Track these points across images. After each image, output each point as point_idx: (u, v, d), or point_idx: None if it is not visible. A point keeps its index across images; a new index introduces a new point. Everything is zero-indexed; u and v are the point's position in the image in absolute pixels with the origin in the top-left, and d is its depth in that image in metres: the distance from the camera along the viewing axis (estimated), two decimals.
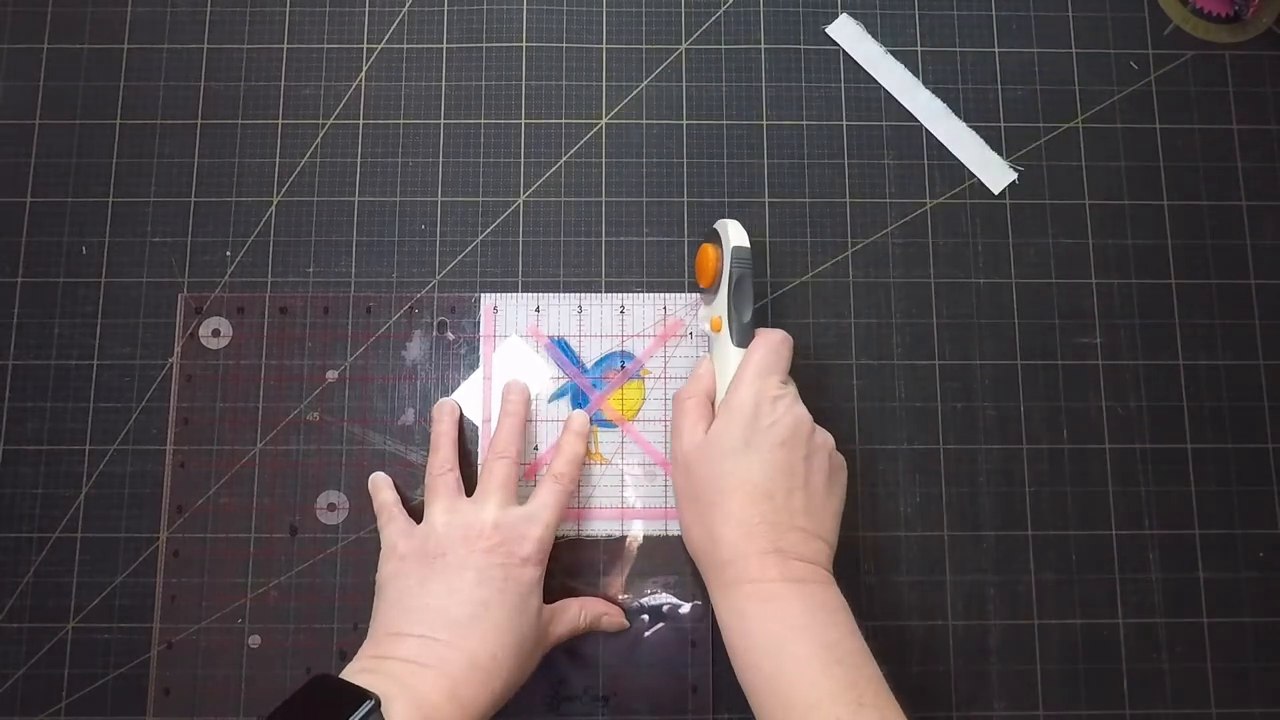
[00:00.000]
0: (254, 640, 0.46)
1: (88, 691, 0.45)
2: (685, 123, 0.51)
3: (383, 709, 0.34)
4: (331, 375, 0.48)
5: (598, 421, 0.48)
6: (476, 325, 0.49)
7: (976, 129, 0.51)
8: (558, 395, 0.48)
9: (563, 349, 0.49)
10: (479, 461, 0.47)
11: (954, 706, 0.46)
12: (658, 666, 0.46)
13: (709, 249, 0.46)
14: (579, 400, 0.48)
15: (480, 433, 0.48)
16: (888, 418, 0.48)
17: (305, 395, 0.48)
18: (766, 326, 0.49)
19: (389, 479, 0.46)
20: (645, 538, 0.47)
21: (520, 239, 0.50)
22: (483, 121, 0.51)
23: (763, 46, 0.52)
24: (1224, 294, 0.50)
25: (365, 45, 0.51)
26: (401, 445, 0.48)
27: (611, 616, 0.45)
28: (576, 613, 0.44)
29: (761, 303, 0.49)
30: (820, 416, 0.48)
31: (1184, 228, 0.50)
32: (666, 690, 0.46)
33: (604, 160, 0.51)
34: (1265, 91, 0.52)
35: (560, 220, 0.50)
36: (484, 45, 0.52)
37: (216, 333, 0.48)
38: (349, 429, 0.48)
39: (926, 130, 0.51)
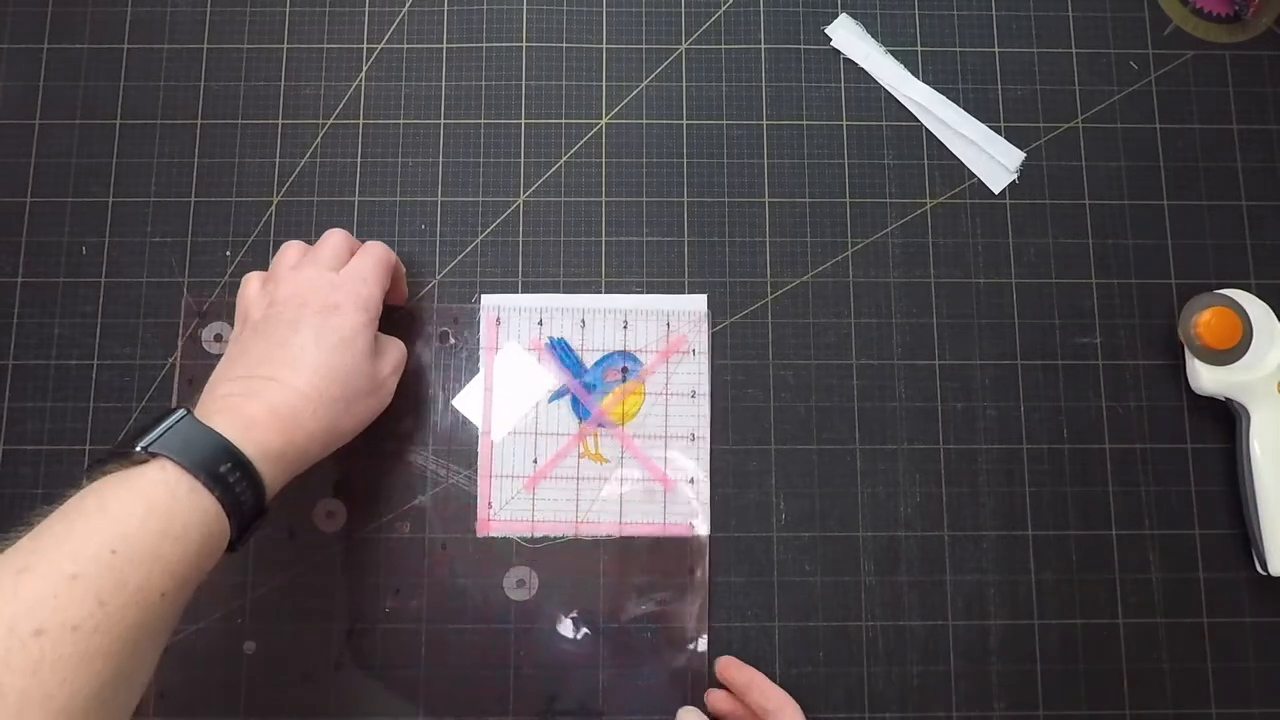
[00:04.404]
0: (249, 646, 0.46)
1: None
2: (685, 123, 0.51)
3: (194, 417, 0.36)
4: None
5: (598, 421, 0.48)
6: (478, 329, 0.49)
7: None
8: (556, 396, 0.48)
9: (562, 350, 0.48)
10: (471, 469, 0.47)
11: (954, 706, 0.46)
12: (654, 680, 0.46)
13: (1227, 313, 0.46)
14: (580, 401, 0.48)
15: (480, 445, 0.47)
16: (888, 418, 0.48)
17: None
18: (766, 324, 0.49)
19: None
20: (640, 542, 0.47)
21: (520, 239, 0.50)
22: (483, 121, 0.51)
23: (763, 46, 0.52)
24: None
25: (365, 45, 0.51)
26: (401, 446, 0.48)
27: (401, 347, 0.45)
28: (391, 355, 0.44)
29: (761, 303, 0.49)
30: (820, 416, 0.48)
31: (1184, 228, 0.50)
32: (662, 704, 0.45)
33: (604, 160, 0.51)
34: (1265, 91, 0.52)
35: (560, 220, 0.50)
36: (484, 45, 0.52)
37: (219, 337, 0.48)
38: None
39: (926, 130, 0.51)
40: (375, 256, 0.44)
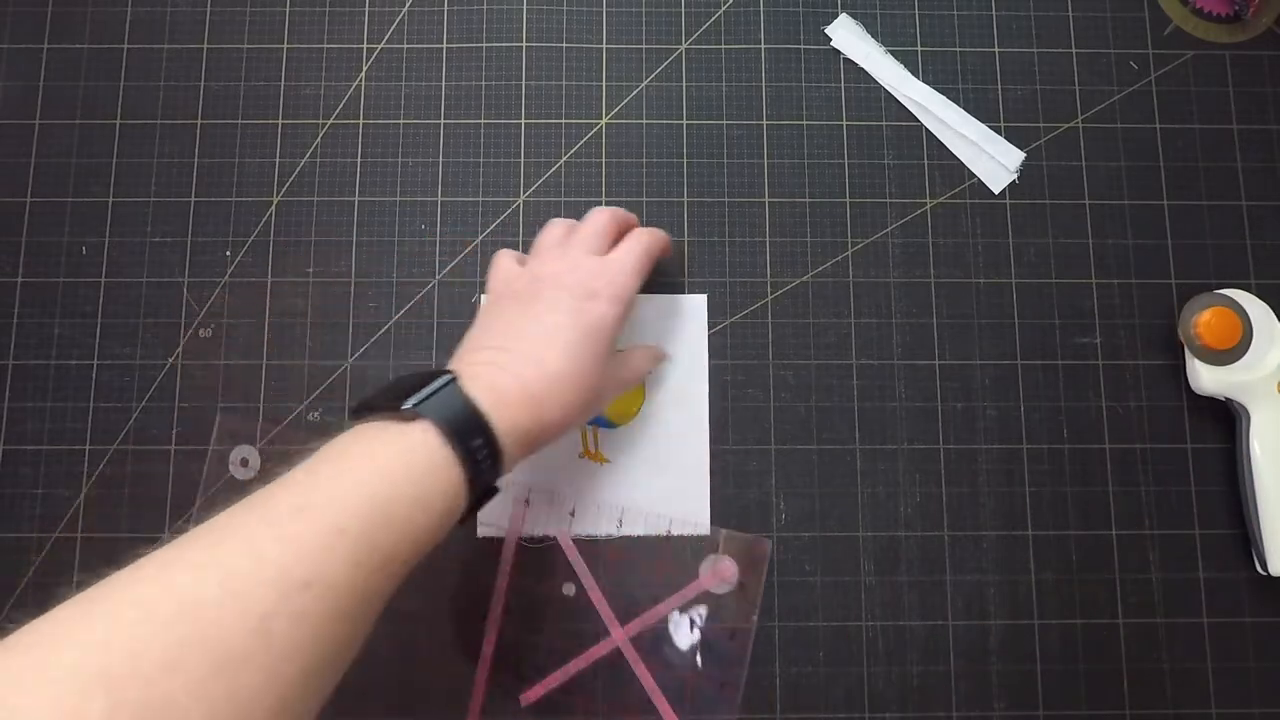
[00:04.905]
0: None
1: None
2: (685, 123, 0.51)
3: (460, 384, 0.35)
4: (332, 375, 0.48)
5: (598, 421, 0.48)
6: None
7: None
8: None
9: None
10: None
11: (954, 706, 0.46)
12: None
13: (1227, 313, 0.47)
14: None
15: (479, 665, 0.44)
16: (888, 418, 0.48)
17: (306, 395, 0.48)
18: (766, 324, 0.49)
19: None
20: (646, 539, 0.47)
21: (520, 239, 0.50)
22: (483, 121, 0.51)
23: (763, 46, 0.52)
24: None
25: (365, 45, 0.51)
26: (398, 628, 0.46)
27: (657, 355, 0.47)
28: (640, 358, 0.45)
29: (761, 303, 0.49)
30: (820, 416, 0.48)
31: (1184, 228, 0.50)
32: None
33: (604, 160, 0.51)
34: (1265, 91, 0.52)
35: None
36: (484, 45, 0.52)
37: (245, 462, 0.47)
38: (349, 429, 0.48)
39: (926, 130, 0.51)
40: (642, 246, 0.43)
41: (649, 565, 0.46)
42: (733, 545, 0.46)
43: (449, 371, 0.36)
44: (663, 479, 0.47)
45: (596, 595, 0.45)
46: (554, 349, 0.38)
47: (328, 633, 0.29)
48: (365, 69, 0.51)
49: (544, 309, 0.40)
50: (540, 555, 0.46)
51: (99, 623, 0.26)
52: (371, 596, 0.31)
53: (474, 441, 0.34)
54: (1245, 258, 0.50)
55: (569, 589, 0.46)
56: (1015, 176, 0.51)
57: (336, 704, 0.31)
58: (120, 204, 0.50)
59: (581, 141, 0.51)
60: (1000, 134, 0.51)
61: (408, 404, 0.34)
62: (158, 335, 0.49)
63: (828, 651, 0.46)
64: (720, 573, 0.46)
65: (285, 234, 0.50)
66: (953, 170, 0.51)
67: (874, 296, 0.49)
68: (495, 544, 0.46)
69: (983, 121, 0.51)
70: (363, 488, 0.31)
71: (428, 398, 0.34)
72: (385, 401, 0.35)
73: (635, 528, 0.47)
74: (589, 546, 0.46)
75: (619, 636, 0.45)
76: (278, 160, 0.50)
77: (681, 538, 0.46)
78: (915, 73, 0.51)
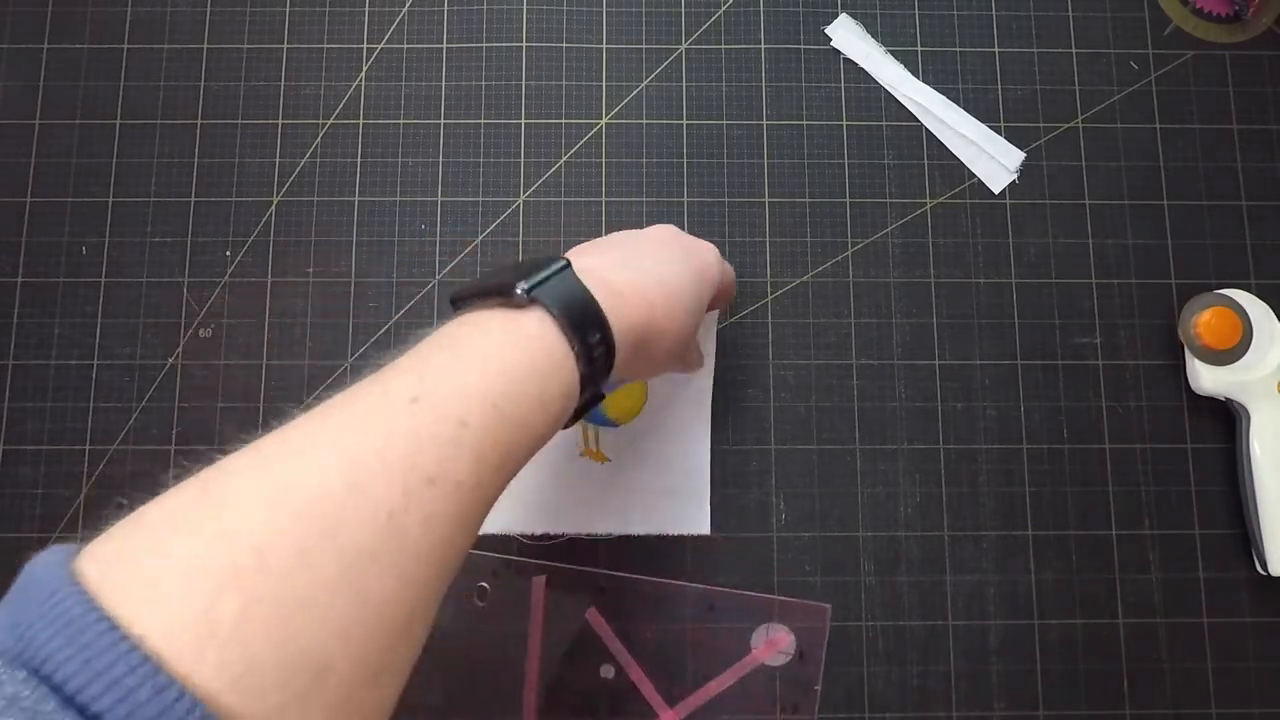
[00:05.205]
0: None
1: None
2: (685, 123, 0.51)
3: (575, 273, 0.32)
4: (332, 375, 0.48)
5: (599, 420, 0.48)
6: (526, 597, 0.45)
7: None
8: None
9: None
10: None
11: (954, 706, 0.46)
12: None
13: (1227, 313, 0.47)
14: None
15: None
16: (888, 418, 0.48)
17: (305, 395, 0.48)
18: (766, 324, 0.49)
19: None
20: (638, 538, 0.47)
21: (520, 239, 0.50)
22: (483, 121, 0.51)
23: (763, 46, 0.52)
24: None
25: (365, 45, 0.51)
26: None
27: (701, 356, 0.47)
28: (695, 349, 0.44)
29: (761, 303, 0.49)
30: (820, 416, 0.48)
31: (1184, 228, 0.50)
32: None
33: (604, 160, 0.51)
34: (1265, 91, 0.52)
35: (560, 220, 0.50)
36: (484, 45, 0.52)
37: None
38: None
39: (926, 130, 0.51)
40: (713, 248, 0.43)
41: (692, 642, 0.43)
42: (787, 613, 0.44)
43: (562, 259, 0.33)
44: (663, 479, 0.47)
45: (638, 675, 0.43)
46: (662, 271, 0.36)
47: (453, 534, 0.27)
48: (365, 69, 0.51)
49: (653, 244, 0.38)
50: (571, 637, 0.44)
51: (217, 511, 0.24)
52: (488, 498, 0.29)
53: (592, 336, 0.31)
54: (1245, 258, 0.50)
55: (608, 671, 0.44)
56: (1015, 176, 0.51)
57: None
58: (120, 204, 0.50)
59: (581, 141, 0.51)
60: (1000, 134, 0.51)
61: (521, 286, 0.30)
62: (158, 335, 0.49)
63: (828, 651, 0.46)
64: (775, 643, 0.43)
65: (285, 234, 0.50)
66: (953, 170, 0.51)
67: (874, 296, 0.49)
68: (520, 625, 0.45)
69: (983, 121, 0.51)
70: (480, 382, 0.28)
71: (544, 281, 0.31)
72: (495, 286, 0.31)
73: (635, 527, 0.47)
74: (622, 627, 0.44)
75: None
76: (278, 160, 0.50)
77: (729, 610, 0.44)
78: (915, 73, 0.51)
